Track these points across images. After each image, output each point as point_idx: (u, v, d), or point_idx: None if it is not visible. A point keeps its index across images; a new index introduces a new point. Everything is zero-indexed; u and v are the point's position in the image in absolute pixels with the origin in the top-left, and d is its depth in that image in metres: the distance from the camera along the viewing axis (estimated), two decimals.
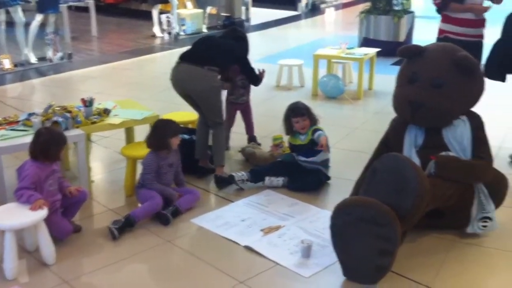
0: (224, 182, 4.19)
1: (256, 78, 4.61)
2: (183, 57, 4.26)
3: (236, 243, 3.44)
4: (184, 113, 4.86)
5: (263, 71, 4.75)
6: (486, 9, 4.75)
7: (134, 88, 7.00)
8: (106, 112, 4.24)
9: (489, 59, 4.25)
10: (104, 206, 3.93)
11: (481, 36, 4.85)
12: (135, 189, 3.92)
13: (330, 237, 3.03)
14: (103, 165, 4.71)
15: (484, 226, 3.36)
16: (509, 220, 3.64)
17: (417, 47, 3.51)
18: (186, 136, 4.46)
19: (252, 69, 4.55)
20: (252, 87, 4.88)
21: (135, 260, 3.29)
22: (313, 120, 4.21)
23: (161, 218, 3.67)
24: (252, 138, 4.97)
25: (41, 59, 8.30)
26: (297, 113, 4.18)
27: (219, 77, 4.24)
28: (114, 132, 4.74)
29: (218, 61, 4.22)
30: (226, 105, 4.91)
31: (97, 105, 4.34)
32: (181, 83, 4.22)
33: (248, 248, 3.37)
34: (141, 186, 3.83)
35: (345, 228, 2.95)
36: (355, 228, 2.92)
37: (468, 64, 3.32)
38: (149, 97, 6.38)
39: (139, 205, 3.82)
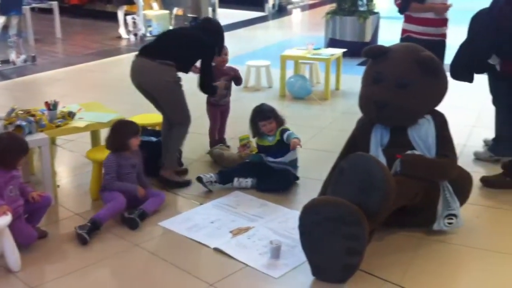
0: (170, 184, 4.14)
1: (207, 86, 4.29)
2: (140, 50, 4.17)
3: (205, 245, 3.41)
4: (151, 115, 4.80)
5: (221, 82, 4.63)
6: (446, 8, 4.82)
7: (99, 91, 6.91)
8: (70, 115, 4.17)
9: (455, 60, 4.29)
10: (70, 211, 3.85)
11: (443, 35, 4.92)
12: (100, 193, 3.87)
13: (299, 237, 3.04)
14: (69, 169, 4.63)
15: (450, 223, 3.41)
16: (473, 217, 3.71)
17: (381, 48, 3.55)
18: (153, 139, 4.41)
19: (210, 73, 4.29)
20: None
21: (102, 265, 3.24)
22: (279, 121, 4.21)
23: (129, 222, 3.62)
24: (221, 140, 4.95)
25: (4, 62, 8.13)
26: (263, 117, 4.17)
27: (176, 72, 4.05)
28: (80, 135, 4.66)
29: (174, 55, 4.03)
30: (208, 107, 4.85)
31: (62, 108, 4.27)
32: (136, 77, 4.13)
33: (218, 250, 3.35)
34: (103, 189, 3.79)
35: (314, 228, 2.96)
36: (323, 227, 2.93)
37: (431, 64, 3.37)
38: (115, 99, 6.29)
39: None
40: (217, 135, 4.93)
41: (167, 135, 4.27)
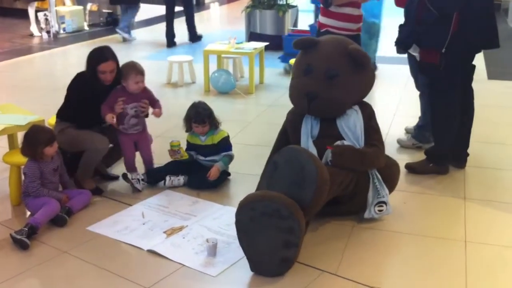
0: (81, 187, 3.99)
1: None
2: None
3: (139, 247, 3.31)
4: None
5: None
6: None
7: (14, 92, 6.56)
8: None
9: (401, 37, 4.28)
10: None
11: (359, 30, 5.04)
12: (22, 198, 3.68)
13: (236, 233, 3.00)
14: None
15: (380, 211, 3.49)
16: (401, 203, 3.81)
17: (311, 40, 3.57)
18: None
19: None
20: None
21: (29, 276, 3.05)
22: (214, 124, 4.12)
23: (57, 220, 3.50)
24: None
25: None
26: (198, 120, 4.05)
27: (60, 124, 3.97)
28: None
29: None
30: (118, 136, 4.08)
31: None
32: None
33: (152, 252, 3.25)
34: (27, 195, 3.60)
35: (250, 223, 2.94)
36: (260, 222, 2.92)
37: (360, 56, 3.42)
38: (32, 100, 6.00)
39: (28, 214, 3.62)
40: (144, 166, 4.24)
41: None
